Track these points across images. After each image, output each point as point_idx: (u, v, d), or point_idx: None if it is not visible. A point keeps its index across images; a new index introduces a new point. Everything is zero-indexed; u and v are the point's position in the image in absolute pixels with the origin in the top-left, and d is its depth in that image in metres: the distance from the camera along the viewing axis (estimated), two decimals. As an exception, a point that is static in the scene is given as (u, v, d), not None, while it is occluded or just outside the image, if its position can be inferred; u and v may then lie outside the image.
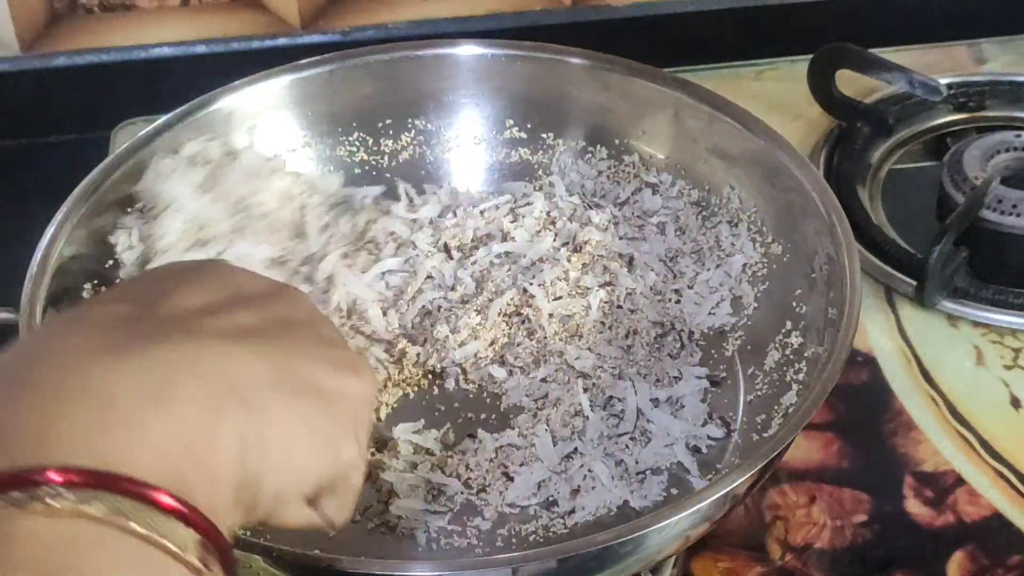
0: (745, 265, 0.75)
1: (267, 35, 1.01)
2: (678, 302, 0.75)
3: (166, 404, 0.41)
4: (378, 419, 0.70)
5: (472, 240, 0.78)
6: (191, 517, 0.40)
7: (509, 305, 0.74)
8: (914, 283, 0.83)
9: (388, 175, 0.82)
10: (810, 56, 0.95)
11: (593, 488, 0.67)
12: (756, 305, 0.75)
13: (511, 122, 0.82)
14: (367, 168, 0.82)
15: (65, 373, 0.41)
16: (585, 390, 0.70)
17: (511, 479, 0.67)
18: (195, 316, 0.45)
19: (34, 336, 0.46)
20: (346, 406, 0.48)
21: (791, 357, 0.71)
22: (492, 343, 0.73)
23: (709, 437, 0.70)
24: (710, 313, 0.75)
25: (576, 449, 0.68)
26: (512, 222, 0.78)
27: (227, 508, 0.43)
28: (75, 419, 0.40)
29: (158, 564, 0.39)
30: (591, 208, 0.79)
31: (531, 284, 0.75)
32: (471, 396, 0.72)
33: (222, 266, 0.52)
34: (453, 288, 0.76)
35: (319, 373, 0.47)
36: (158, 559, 0.39)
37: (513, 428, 0.69)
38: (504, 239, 0.78)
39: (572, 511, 0.66)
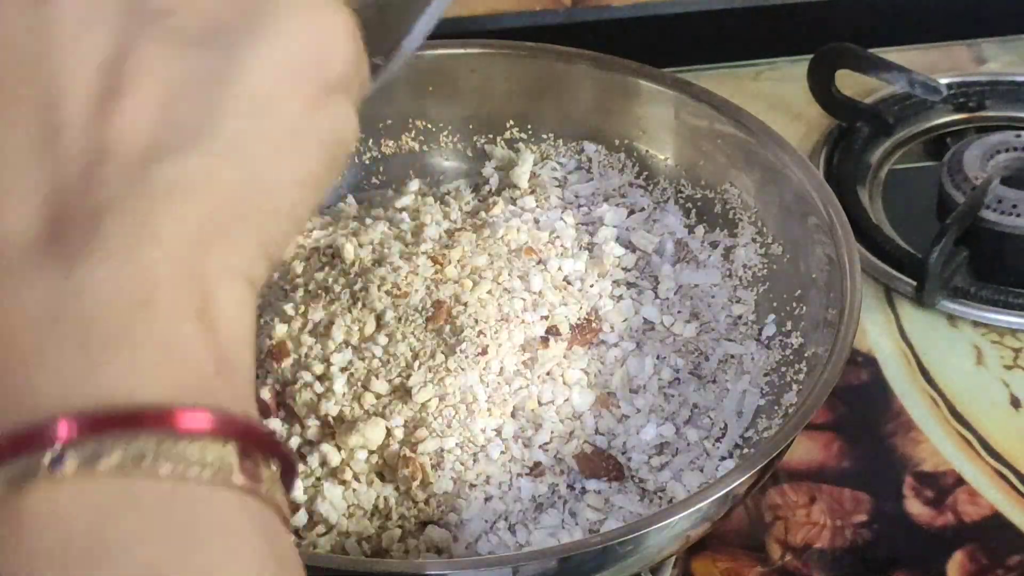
0: (745, 266, 0.75)
1: (267, 35, 1.01)
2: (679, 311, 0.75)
3: (149, 316, 0.33)
4: None
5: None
6: (220, 427, 0.33)
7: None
8: (914, 283, 0.83)
9: (388, 175, 0.82)
10: (810, 56, 0.95)
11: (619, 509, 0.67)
12: (756, 305, 0.74)
13: (511, 122, 0.82)
14: (367, 168, 0.82)
15: (12, 304, 0.32)
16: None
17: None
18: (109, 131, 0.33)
19: None
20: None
21: (791, 357, 0.71)
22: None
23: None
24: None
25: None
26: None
27: (249, 367, 0.35)
28: (54, 360, 0.32)
29: (201, 502, 0.32)
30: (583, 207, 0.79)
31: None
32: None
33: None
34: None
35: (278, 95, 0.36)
36: (199, 496, 0.32)
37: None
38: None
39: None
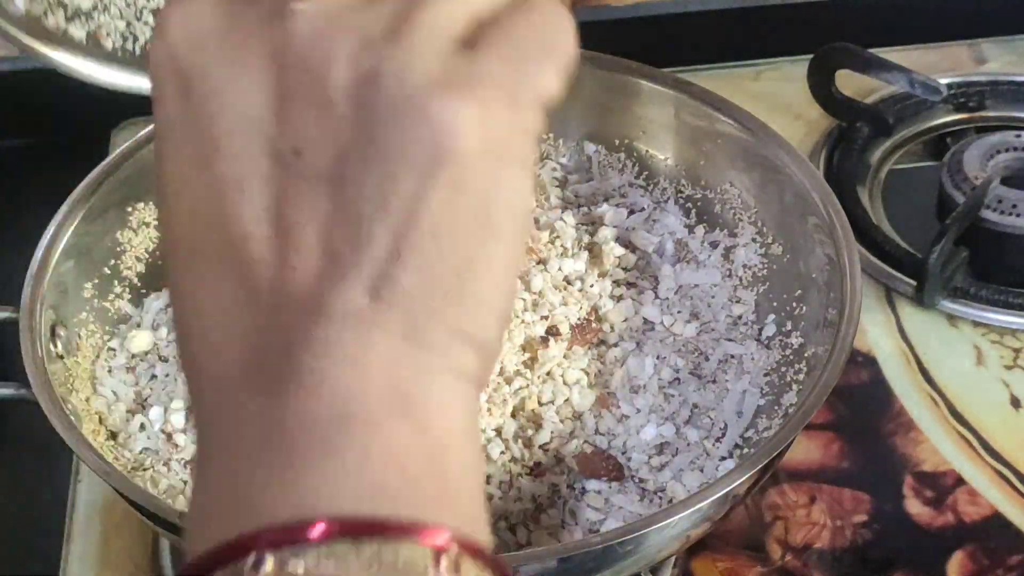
0: (745, 266, 0.75)
1: (267, 35, 1.01)
2: (680, 312, 0.75)
3: (349, 427, 0.36)
4: None
5: None
6: (422, 532, 0.35)
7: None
8: (914, 283, 0.83)
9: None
10: (810, 56, 0.95)
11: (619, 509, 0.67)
12: (756, 305, 0.74)
13: (511, 122, 0.82)
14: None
15: (231, 430, 0.37)
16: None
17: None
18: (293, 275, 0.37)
19: (203, 396, 0.39)
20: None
21: (791, 357, 0.71)
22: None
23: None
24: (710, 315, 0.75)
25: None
26: None
27: (470, 457, 0.38)
28: (262, 476, 0.36)
29: None
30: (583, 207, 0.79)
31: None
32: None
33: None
34: None
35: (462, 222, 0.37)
36: None
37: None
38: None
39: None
